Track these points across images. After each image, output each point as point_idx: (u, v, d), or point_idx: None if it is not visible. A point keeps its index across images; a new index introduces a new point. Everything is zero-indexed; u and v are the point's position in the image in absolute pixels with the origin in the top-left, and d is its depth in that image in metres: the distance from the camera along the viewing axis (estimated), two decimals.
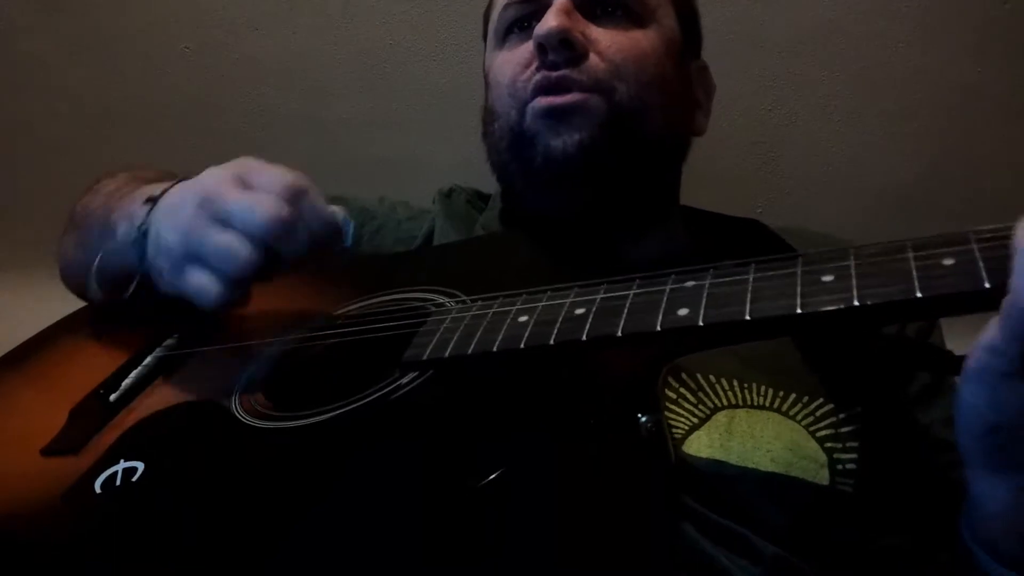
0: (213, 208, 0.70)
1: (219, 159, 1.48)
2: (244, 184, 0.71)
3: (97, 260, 0.82)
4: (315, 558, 0.52)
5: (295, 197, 0.70)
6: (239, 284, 0.70)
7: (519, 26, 0.93)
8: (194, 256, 0.71)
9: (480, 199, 1.08)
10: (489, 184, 1.03)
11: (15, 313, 1.46)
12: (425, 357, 0.65)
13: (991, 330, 0.51)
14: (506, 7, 0.94)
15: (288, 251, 0.70)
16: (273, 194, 0.70)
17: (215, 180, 0.72)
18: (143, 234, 0.76)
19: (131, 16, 1.42)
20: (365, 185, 1.49)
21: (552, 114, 0.86)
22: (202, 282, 0.70)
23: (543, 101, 0.86)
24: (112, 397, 0.74)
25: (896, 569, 0.75)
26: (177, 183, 0.78)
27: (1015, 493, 0.57)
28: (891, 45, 1.32)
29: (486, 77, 1.00)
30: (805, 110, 1.38)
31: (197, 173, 0.75)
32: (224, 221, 0.69)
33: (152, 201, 0.78)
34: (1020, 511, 0.57)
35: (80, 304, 0.96)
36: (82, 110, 1.50)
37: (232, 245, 0.68)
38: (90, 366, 0.80)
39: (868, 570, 0.74)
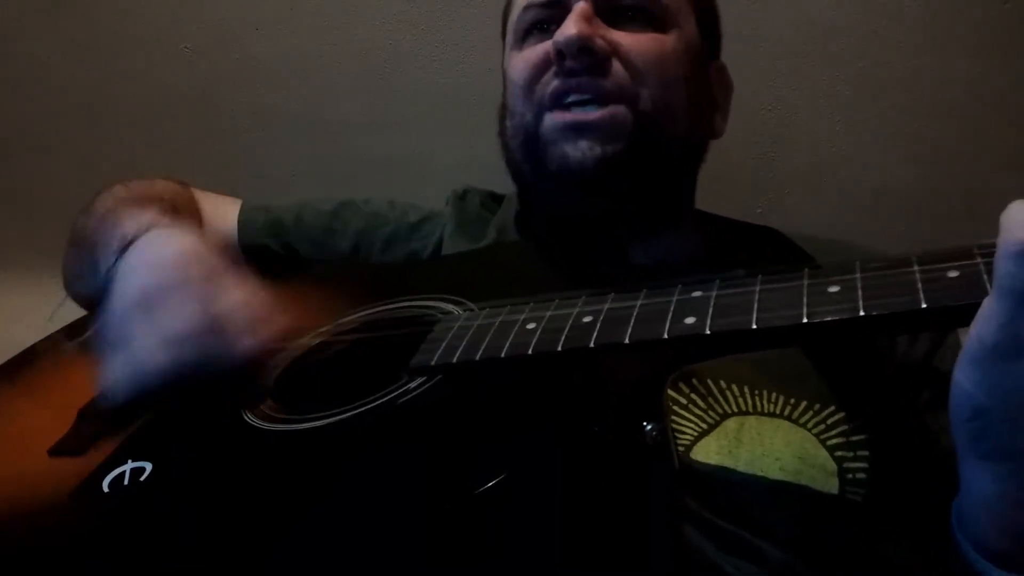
0: (120, 333, 0.71)
1: (219, 159, 1.50)
2: (151, 311, 0.71)
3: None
4: (321, 558, 0.53)
5: (212, 336, 0.69)
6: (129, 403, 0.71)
7: (539, 28, 0.92)
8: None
9: (494, 200, 1.07)
10: (496, 184, 1.03)
11: (15, 313, 1.47)
12: (433, 362, 0.66)
13: (983, 305, 0.51)
14: (526, 9, 0.93)
15: (184, 390, 0.70)
16: (168, 344, 0.69)
17: (127, 300, 0.72)
18: (109, 279, 0.78)
19: (131, 16, 1.42)
20: (365, 185, 1.50)
21: (571, 128, 0.85)
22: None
23: (565, 117, 0.86)
24: None
25: None
26: (145, 233, 0.79)
27: (1000, 483, 0.57)
28: (891, 45, 1.32)
29: (504, 75, 0.99)
30: (805, 110, 1.38)
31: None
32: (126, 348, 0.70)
33: (122, 250, 0.79)
34: (1004, 502, 0.57)
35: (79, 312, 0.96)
36: (82, 110, 1.50)
37: (119, 383, 0.70)
38: (93, 373, 0.80)
39: None
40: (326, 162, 1.51)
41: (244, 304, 0.72)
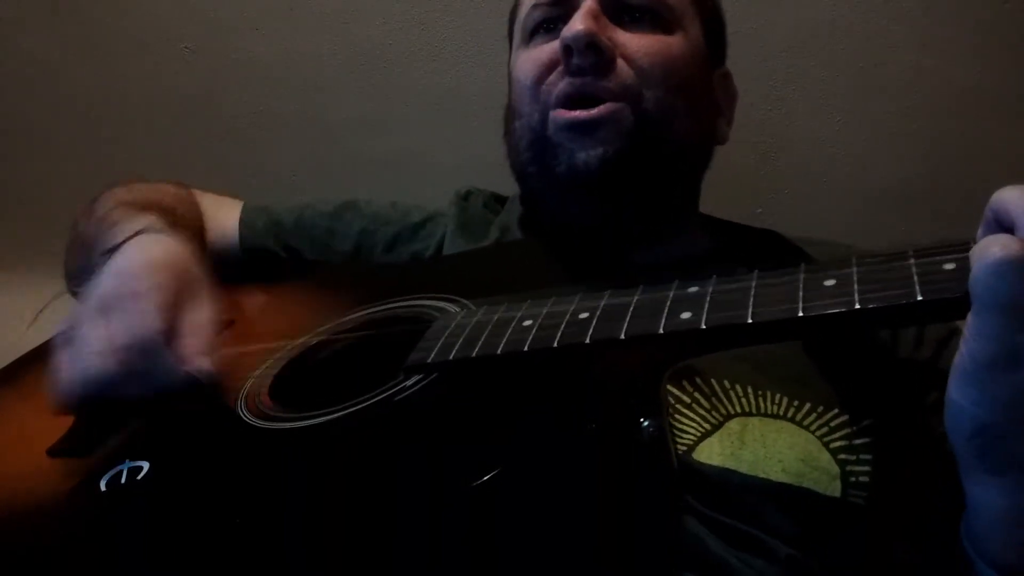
0: (76, 332, 0.71)
1: (219, 159, 1.50)
2: (106, 315, 0.71)
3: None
4: (317, 557, 0.53)
5: (138, 354, 0.69)
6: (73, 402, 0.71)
7: (546, 27, 0.92)
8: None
9: (497, 201, 1.07)
10: (496, 184, 1.03)
11: (15, 313, 1.47)
12: (430, 360, 0.65)
13: (968, 323, 0.51)
14: (534, 7, 0.93)
15: (119, 398, 0.70)
16: (114, 350, 0.69)
17: (89, 302, 0.73)
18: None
19: (131, 16, 1.43)
20: (365, 185, 1.50)
21: (576, 127, 0.85)
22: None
23: (568, 115, 0.85)
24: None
25: None
26: (128, 240, 0.79)
27: (1008, 496, 0.56)
28: (891, 45, 1.32)
29: (509, 75, 0.98)
30: (805, 110, 1.38)
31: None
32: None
33: (111, 252, 0.79)
34: (1014, 513, 0.57)
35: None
36: (82, 110, 1.50)
37: (64, 380, 0.70)
38: None
39: None
40: (326, 162, 1.51)
41: (204, 324, 0.72)
